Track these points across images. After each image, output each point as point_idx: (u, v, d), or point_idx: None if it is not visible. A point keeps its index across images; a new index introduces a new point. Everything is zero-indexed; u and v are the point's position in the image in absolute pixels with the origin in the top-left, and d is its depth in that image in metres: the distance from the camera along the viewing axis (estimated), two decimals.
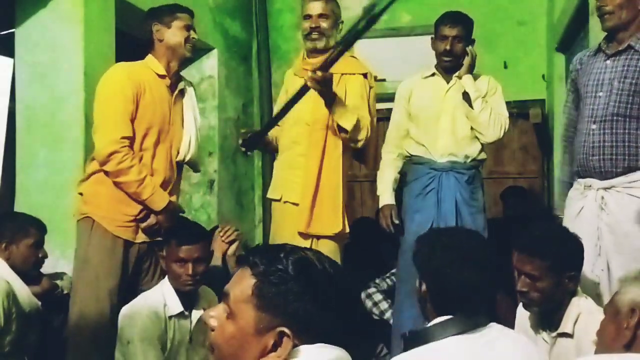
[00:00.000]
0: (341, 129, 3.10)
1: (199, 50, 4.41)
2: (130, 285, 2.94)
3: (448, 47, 3.34)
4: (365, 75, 3.30)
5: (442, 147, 3.37)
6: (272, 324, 1.27)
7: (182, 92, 3.11)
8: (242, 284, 1.30)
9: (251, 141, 3.36)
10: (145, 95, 2.92)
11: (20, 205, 3.33)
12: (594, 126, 2.73)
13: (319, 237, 3.18)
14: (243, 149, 3.41)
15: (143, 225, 2.92)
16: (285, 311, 1.26)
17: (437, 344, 1.78)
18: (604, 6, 2.71)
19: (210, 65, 4.51)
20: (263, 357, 1.27)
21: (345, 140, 3.14)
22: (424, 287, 1.94)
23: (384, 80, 4.36)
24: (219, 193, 4.50)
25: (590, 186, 2.74)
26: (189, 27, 3.04)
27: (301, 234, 3.16)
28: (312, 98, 3.23)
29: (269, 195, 3.43)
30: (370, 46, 4.55)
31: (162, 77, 3.01)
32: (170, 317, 2.71)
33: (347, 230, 3.23)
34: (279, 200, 3.31)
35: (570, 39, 4.30)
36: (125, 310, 2.72)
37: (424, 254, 1.97)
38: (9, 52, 3.59)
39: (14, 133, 3.49)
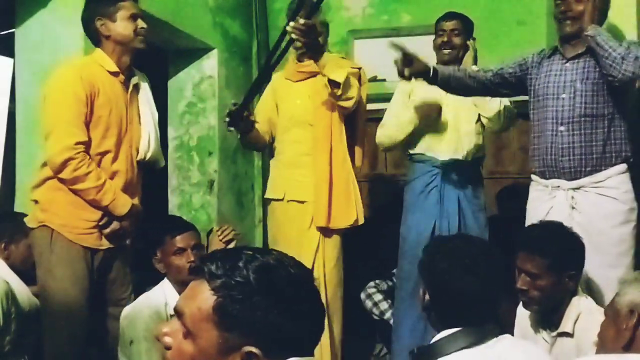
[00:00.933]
0: (332, 85, 3.07)
1: (198, 50, 4.42)
2: (100, 293, 2.83)
3: (446, 39, 3.38)
4: (358, 69, 3.31)
5: (445, 144, 3.38)
6: (238, 343, 1.16)
7: (136, 88, 2.91)
8: (199, 299, 1.18)
9: (235, 115, 3.22)
10: (100, 95, 2.72)
11: (20, 204, 3.32)
12: (562, 128, 2.76)
13: (326, 233, 3.20)
14: (226, 120, 3.27)
15: (106, 231, 2.76)
16: (251, 329, 1.15)
17: (446, 359, 1.77)
18: (568, 11, 2.74)
19: (210, 65, 4.48)
20: None
21: (337, 98, 3.11)
22: (427, 296, 1.94)
23: (384, 80, 4.34)
24: (219, 193, 4.49)
25: (558, 187, 2.76)
26: (135, 16, 2.80)
27: (308, 230, 3.19)
28: (313, 99, 3.25)
29: (268, 195, 3.43)
30: (370, 46, 4.54)
31: (114, 74, 2.81)
32: (172, 316, 2.69)
33: (361, 221, 3.29)
34: (281, 200, 3.32)
35: None
36: (126, 311, 2.71)
37: (425, 262, 1.97)
38: (9, 52, 3.59)
39: (14, 133, 3.49)
